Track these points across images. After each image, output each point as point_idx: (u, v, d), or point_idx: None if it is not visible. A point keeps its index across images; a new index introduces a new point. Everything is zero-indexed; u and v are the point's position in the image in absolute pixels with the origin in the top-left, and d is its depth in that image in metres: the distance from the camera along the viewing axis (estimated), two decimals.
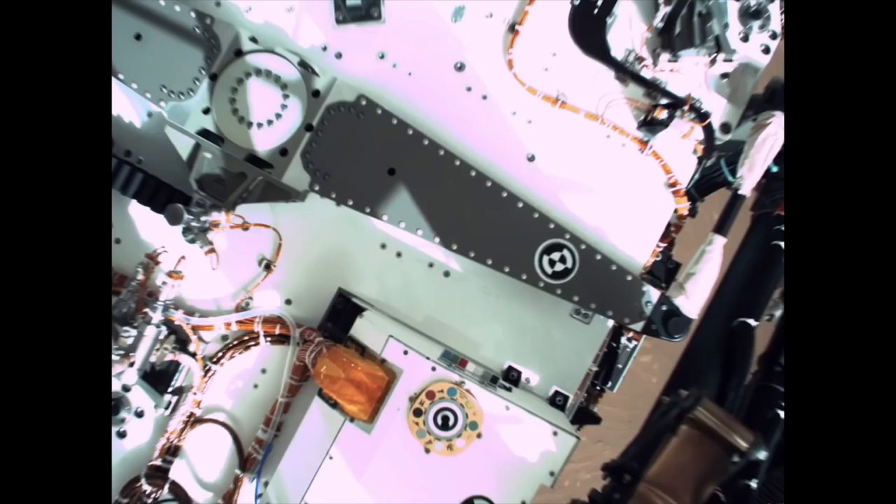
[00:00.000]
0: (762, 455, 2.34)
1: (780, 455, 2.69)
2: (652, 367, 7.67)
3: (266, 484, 2.84)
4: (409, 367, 2.55)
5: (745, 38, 2.98)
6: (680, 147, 2.94)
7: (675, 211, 3.00)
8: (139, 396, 3.07)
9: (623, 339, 3.51)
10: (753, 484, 2.50)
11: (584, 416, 3.27)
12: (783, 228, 2.95)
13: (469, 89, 2.96)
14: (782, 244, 2.91)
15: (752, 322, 2.76)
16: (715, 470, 2.29)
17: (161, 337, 2.71)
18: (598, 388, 3.43)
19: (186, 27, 2.88)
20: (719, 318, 2.81)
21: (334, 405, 2.59)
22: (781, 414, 2.74)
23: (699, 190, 3.38)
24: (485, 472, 2.55)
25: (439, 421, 2.51)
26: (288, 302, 3.04)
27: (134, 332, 2.60)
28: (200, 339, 2.98)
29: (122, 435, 3.12)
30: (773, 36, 3.00)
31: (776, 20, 3.01)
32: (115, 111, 3.11)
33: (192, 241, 2.76)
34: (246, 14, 3.02)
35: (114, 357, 2.59)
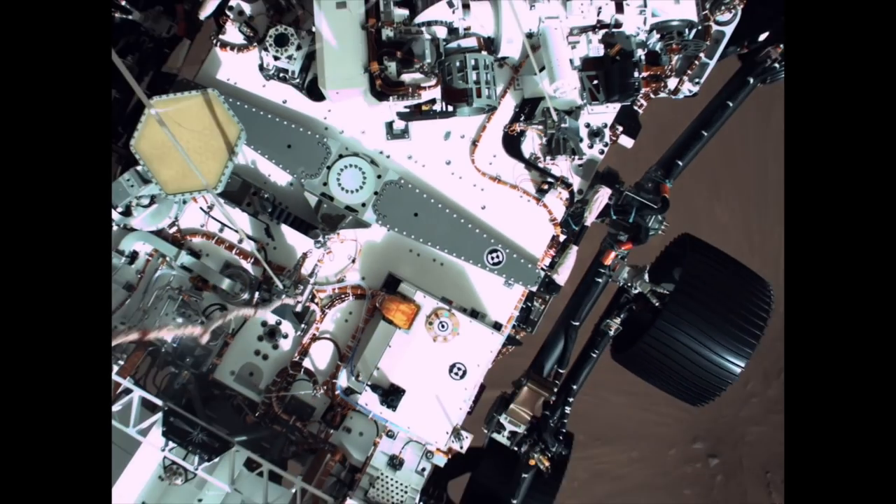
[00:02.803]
0: (552, 397, 5.65)
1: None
2: None
3: (355, 366, 5.78)
4: (426, 304, 5.56)
5: (591, 146, 6.03)
6: (557, 202, 5.99)
7: (554, 233, 6.03)
8: (286, 327, 6.02)
9: (536, 303, 6.53)
10: (567, 410, 5.70)
11: (511, 340, 6.28)
12: (601, 269, 6.01)
13: (452, 173, 5.99)
14: (599, 281, 5.97)
15: (575, 323, 5.96)
16: (538, 404, 5.46)
17: (312, 293, 5.70)
18: (521, 326, 6.41)
19: (313, 141, 5.85)
20: (563, 321, 5.94)
21: (390, 322, 5.57)
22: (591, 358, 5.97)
23: (574, 221, 6.37)
24: (460, 351, 5.55)
25: (440, 327, 5.51)
26: (363, 278, 6.03)
27: (301, 288, 5.58)
28: (319, 297, 5.96)
29: (275, 347, 6.07)
30: (606, 145, 6.04)
31: (607, 136, 6.05)
32: (272, 179, 6.07)
33: (318, 248, 5.73)
34: (341, 134, 6.01)
35: (288, 298, 5.54)
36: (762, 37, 6.25)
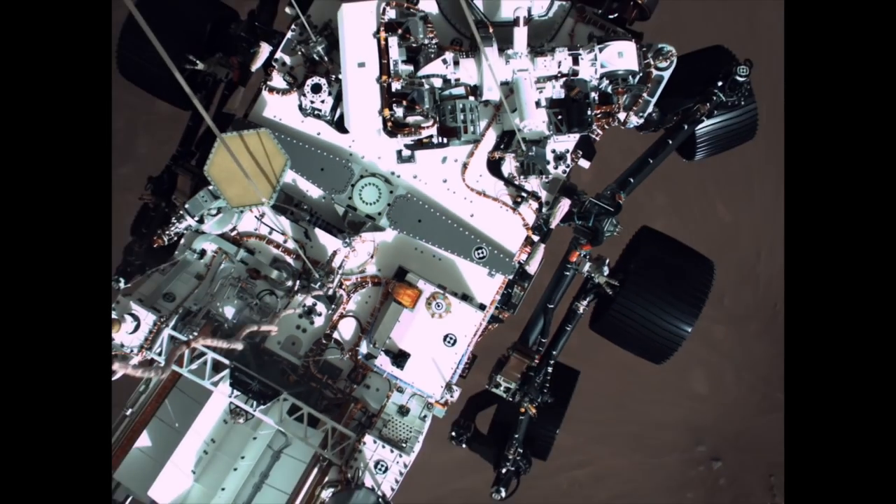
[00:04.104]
0: (534, 363, 7.40)
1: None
2: None
3: (373, 336, 7.54)
4: (427, 289, 7.32)
5: (556, 167, 7.74)
6: (529, 211, 7.71)
7: (527, 235, 7.76)
8: (320, 307, 7.81)
9: (516, 290, 8.25)
10: (550, 369, 7.45)
11: (494, 318, 8.02)
12: (567, 265, 7.72)
13: (448, 189, 7.73)
14: (567, 273, 7.69)
15: (550, 305, 7.63)
16: (522, 368, 7.26)
17: (340, 281, 7.48)
18: (503, 308, 8.14)
19: (340, 164, 7.61)
20: (542, 304, 7.67)
21: (399, 303, 7.33)
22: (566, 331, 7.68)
23: (543, 225, 8.08)
24: (452, 325, 7.30)
25: (436, 307, 7.26)
26: (379, 270, 7.81)
27: (332, 277, 7.35)
28: (346, 284, 7.74)
29: (312, 322, 7.86)
30: (567, 166, 7.76)
31: (569, 159, 7.76)
32: (310, 193, 7.85)
33: (345, 247, 7.50)
34: (363, 159, 7.78)
35: (321, 288, 7.32)
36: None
